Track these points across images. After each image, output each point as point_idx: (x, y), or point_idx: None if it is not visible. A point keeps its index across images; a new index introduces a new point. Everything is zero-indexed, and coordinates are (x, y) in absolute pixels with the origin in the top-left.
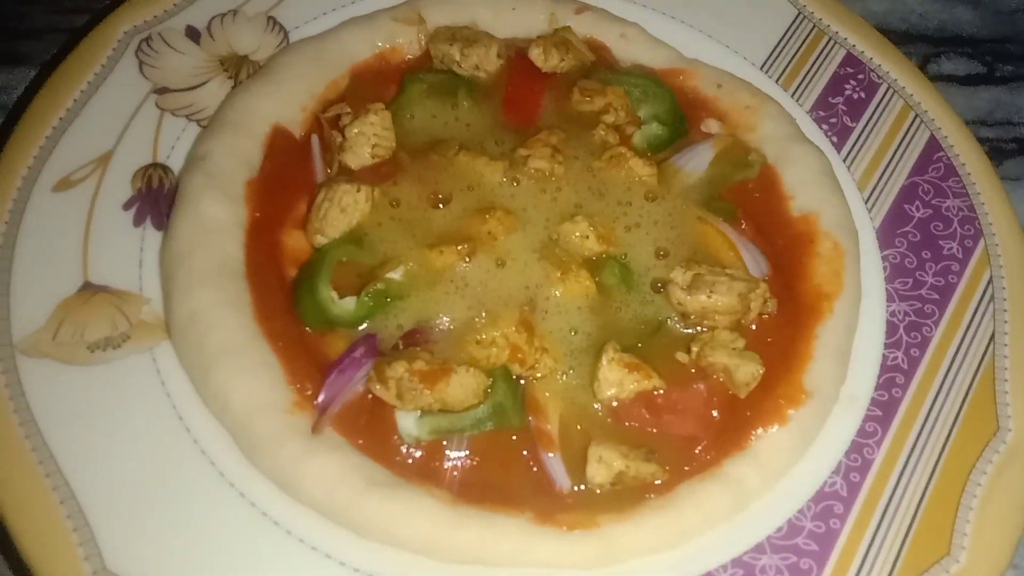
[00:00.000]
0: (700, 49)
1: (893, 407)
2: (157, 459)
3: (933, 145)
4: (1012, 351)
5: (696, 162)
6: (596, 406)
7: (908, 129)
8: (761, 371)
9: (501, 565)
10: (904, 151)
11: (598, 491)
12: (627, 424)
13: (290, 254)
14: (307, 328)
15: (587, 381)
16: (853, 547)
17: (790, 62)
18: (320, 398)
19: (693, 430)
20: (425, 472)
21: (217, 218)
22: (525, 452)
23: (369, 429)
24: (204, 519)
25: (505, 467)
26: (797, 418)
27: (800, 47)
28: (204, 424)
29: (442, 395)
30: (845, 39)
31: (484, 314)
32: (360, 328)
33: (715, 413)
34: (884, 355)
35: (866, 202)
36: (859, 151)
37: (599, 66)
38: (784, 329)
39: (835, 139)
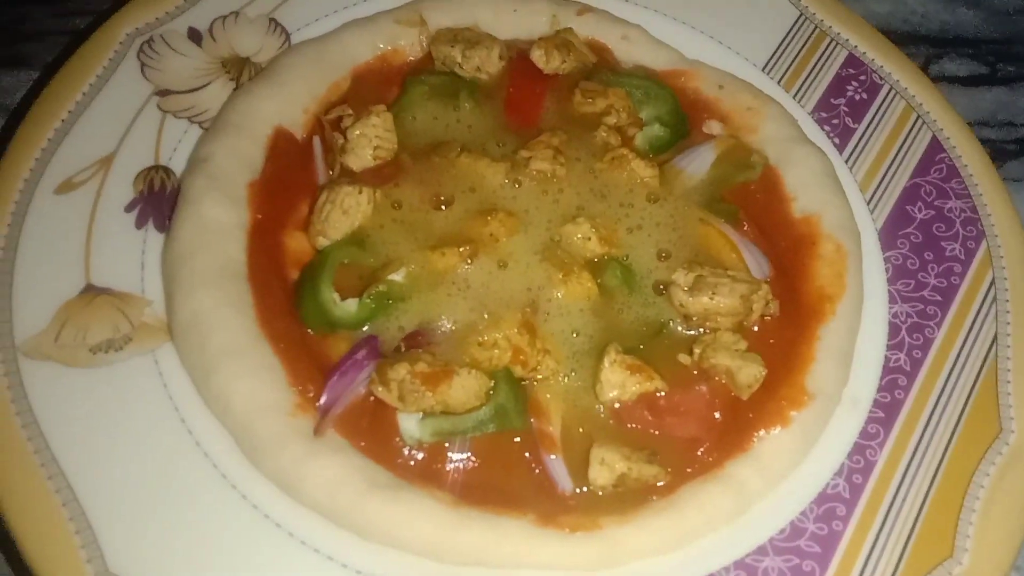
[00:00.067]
0: (702, 50)
1: (895, 409)
2: (159, 461)
3: (935, 146)
4: (1015, 352)
5: (698, 164)
6: (598, 408)
7: (910, 130)
8: (763, 373)
9: (503, 567)
10: (906, 152)
11: (600, 493)
12: (629, 426)
13: (292, 256)
14: (309, 330)
15: (589, 383)
16: (856, 549)
17: (792, 63)
18: (322, 400)
19: (695, 432)
20: (427, 474)
21: (219, 220)
22: (527, 454)
23: (371, 431)
24: (206, 521)
25: (507, 469)
26: (799, 420)
27: (802, 48)
28: (206, 426)
29: (444, 397)
30: (847, 40)
31: (486, 316)
32: (362, 330)
33: (717, 415)
34: (886, 357)
35: (868, 203)
36: (861, 152)
37: (601, 68)
38: (786, 331)
39: (837, 140)
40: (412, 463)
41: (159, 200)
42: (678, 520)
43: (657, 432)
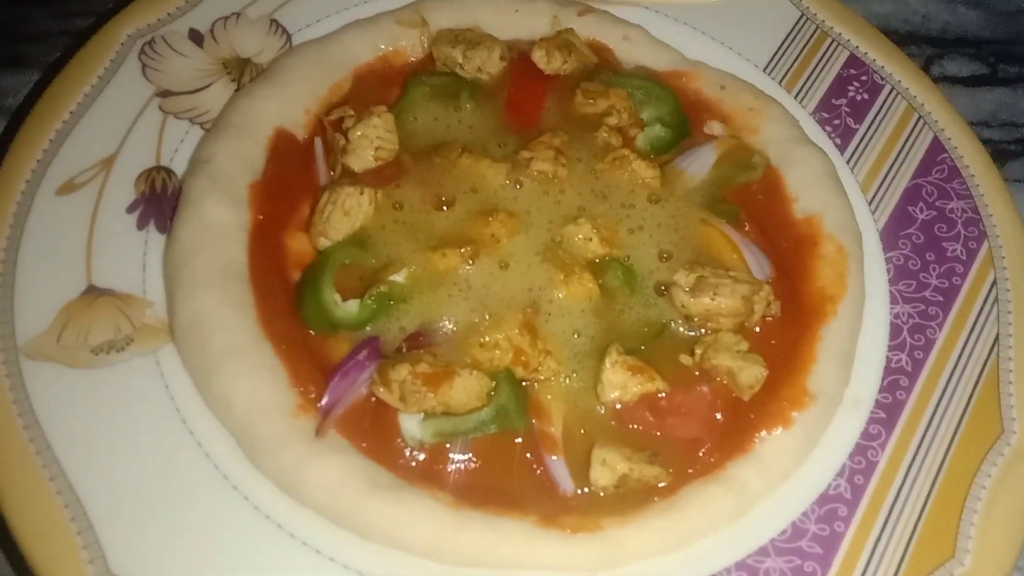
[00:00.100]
0: (703, 51)
1: (897, 409)
2: (161, 462)
3: (937, 147)
4: (1016, 353)
5: (699, 164)
6: (600, 409)
7: (911, 131)
8: (765, 373)
9: (504, 568)
10: (908, 153)
11: (602, 494)
12: (631, 427)
13: (293, 257)
14: (310, 331)
15: (590, 384)
16: (857, 550)
17: (793, 64)
18: (324, 401)
19: (697, 433)
20: (428, 475)
21: (220, 221)
22: (528, 455)
23: (372, 432)
24: (208, 522)
25: (508, 470)
26: (801, 420)
27: (803, 49)
28: (208, 427)
29: (445, 398)
30: (848, 41)
31: (487, 316)
32: (363, 331)
33: (719, 416)
34: (888, 357)
35: (870, 204)
36: (862, 153)
37: (602, 68)
38: (788, 331)
39: (838, 141)
40: (413, 464)
41: (160, 201)
42: (679, 521)
43: (658, 433)
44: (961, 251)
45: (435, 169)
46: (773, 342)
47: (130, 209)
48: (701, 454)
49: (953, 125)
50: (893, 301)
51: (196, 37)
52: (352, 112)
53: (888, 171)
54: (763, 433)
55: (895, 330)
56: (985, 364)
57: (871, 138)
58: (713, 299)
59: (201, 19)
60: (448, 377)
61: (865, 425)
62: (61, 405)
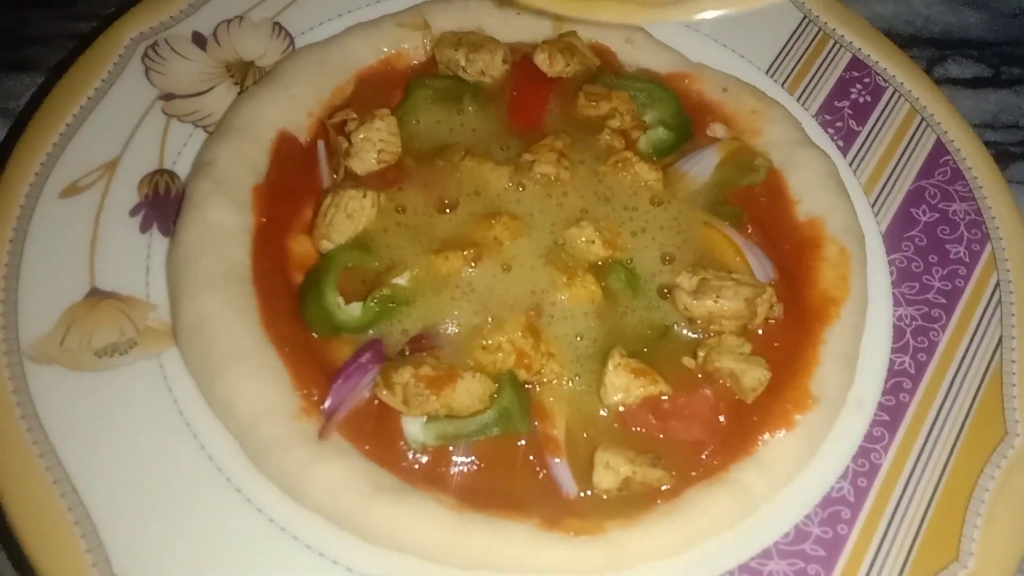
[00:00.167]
0: (705, 53)
1: (900, 412)
2: (164, 465)
3: (939, 149)
4: (1020, 355)
5: (702, 166)
6: (602, 411)
7: (914, 133)
8: (768, 376)
9: (507, 571)
10: (910, 155)
11: (605, 496)
12: (634, 429)
13: (296, 260)
14: (313, 334)
15: (593, 386)
16: (861, 553)
17: (796, 66)
18: (326, 404)
19: (700, 435)
20: (431, 477)
21: (223, 224)
22: (531, 457)
23: (375, 434)
24: (210, 524)
25: (511, 472)
26: (804, 423)
27: (806, 51)
28: (211, 429)
29: (448, 400)
30: (851, 43)
31: (490, 319)
32: (366, 334)
33: (722, 418)
34: (891, 360)
35: (872, 206)
36: (865, 155)
37: (604, 71)
38: (790, 334)
39: (841, 143)
40: (416, 466)
41: (164, 204)
42: (682, 524)
43: (662, 435)
44: (964, 253)
45: (438, 172)
46: (776, 344)
47: (133, 212)
48: (704, 457)
49: (956, 127)
50: (896, 303)
51: (199, 40)
52: (355, 115)
53: (891, 173)
54: (766, 436)
55: (898, 332)
56: (988, 366)
57: (874, 140)
58: (716, 302)
59: (204, 22)
60: (451, 380)
61: (868, 427)
62: (64, 408)
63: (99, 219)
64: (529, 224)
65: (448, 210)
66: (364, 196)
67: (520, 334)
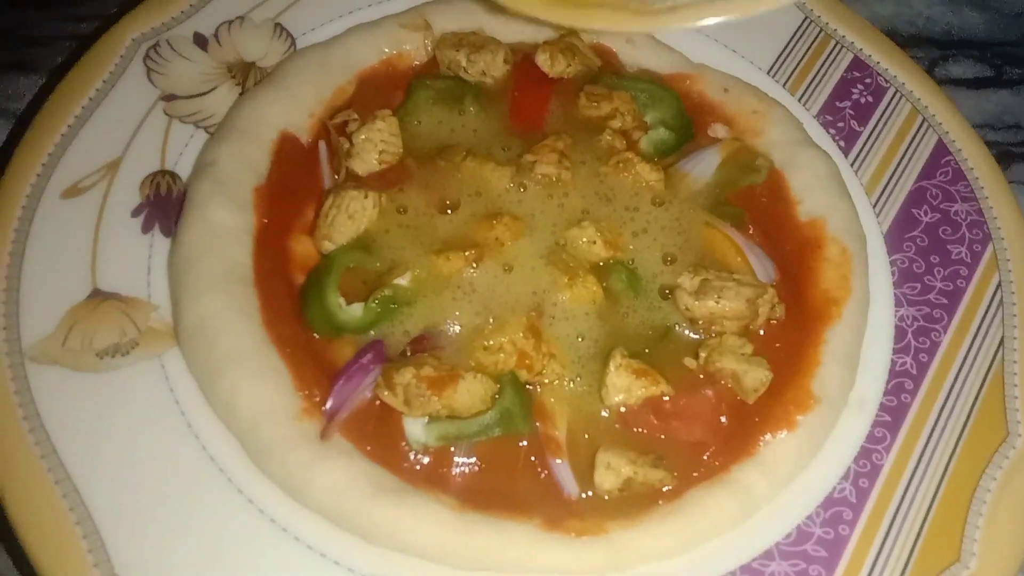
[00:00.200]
0: (706, 53)
1: (902, 412)
2: (166, 465)
3: (941, 149)
4: (1021, 356)
5: (703, 167)
6: (604, 412)
7: (916, 133)
8: (769, 376)
9: (509, 571)
10: (912, 155)
11: (606, 497)
12: (635, 430)
13: (298, 260)
14: (315, 334)
15: (595, 387)
16: (862, 553)
17: (797, 66)
18: (328, 404)
19: (701, 436)
20: (433, 478)
21: (225, 224)
22: (533, 458)
23: (377, 435)
24: (212, 525)
25: (513, 473)
26: (806, 424)
27: (807, 51)
28: (213, 430)
29: (450, 401)
30: (852, 43)
31: (491, 320)
32: (368, 334)
33: (723, 419)
34: (893, 360)
35: (874, 206)
36: (867, 155)
37: (605, 71)
38: (792, 334)
39: (842, 143)
40: (418, 467)
41: (165, 205)
42: (684, 524)
43: (663, 436)
44: (966, 254)
45: (439, 172)
46: (777, 345)
47: (135, 213)
48: (705, 457)
49: (957, 127)
50: (897, 304)
51: (200, 41)
52: (356, 116)
53: (892, 174)
54: (767, 436)
55: (900, 333)
56: (990, 367)
57: (875, 141)
58: (717, 302)
59: (205, 23)
60: (452, 380)
61: (870, 428)
62: (66, 408)
63: (101, 220)
64: (530, 225)
65: (449, 211)
66: (365, 197)
67: (521, 335)
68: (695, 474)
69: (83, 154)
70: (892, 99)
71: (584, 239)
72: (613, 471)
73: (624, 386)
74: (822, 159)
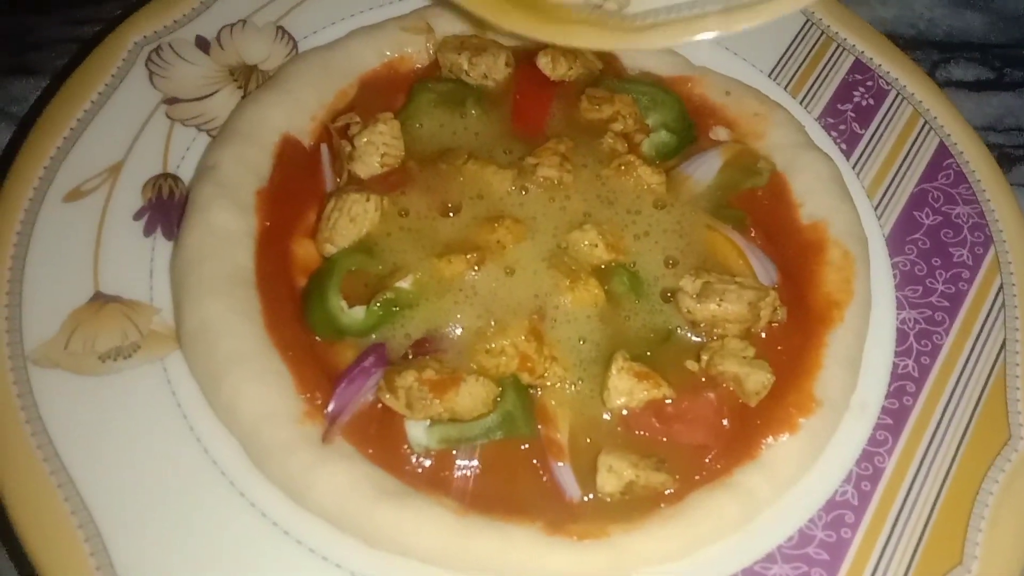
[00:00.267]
0: (708, 56)
1: (904, 415)
2: (167, 468)
3: (942, 152)
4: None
5: (705, 170)
6: (606, 415)
7: (917, 136)
8: (771, 379)
9: (511, 575)
10: (913, 158)
11: (608, 500)
12: (637, 433)
13: (300, 263)
14: (317, 337)
15: (596, 390)
16: (865, 556)
17: (798, 69)
18: (330, 407)
19: (703, 439)
20: (435, 481)
21: (227, 227)
22: (535, 461)
23: (379, 438)
24: (213, 528)
25: (515, 476)
26: (807, 426)
27: (808, 54)
28: (215, 433)
29: (452, 404)
30: (853, 46)
31: (493, 323)
32: (369, 337)
33: (725, 422)
34: (894, 363)
35: (875, 209)
36: (868, 158)
37: (607, 74)
38: (794, 337)
39: (844, 146)
40: (420, 470)
41: (167, 208)
42: (686, 528)
43: (665, 439)
44: (967, 256)
45: (441, 175)
46: (779, 348)
47: (137, 216)
48: (708, 460)
49: (959, 130)
50: (899, 307)
51: (203, 44)
52: (358, 119)
53: (894, 176)
54: (770, 439)
55: (901, 336)
56: (992, 369)
57: (877, 143)
58: (719, 305)
59: (208, 26)
60: (454, 383)
61: (872, 431)
62: (68, 411)
63: (103, 223)
64: (532, 228)
65: (451, 214)
66: (367, 200)
67: (523, 338)
68: (697, 477)
69: (85, 157)
70: (893, 102)
71: (586, 242)
72: (615, 474)
73: (626, 389)
74: (824, 162)
